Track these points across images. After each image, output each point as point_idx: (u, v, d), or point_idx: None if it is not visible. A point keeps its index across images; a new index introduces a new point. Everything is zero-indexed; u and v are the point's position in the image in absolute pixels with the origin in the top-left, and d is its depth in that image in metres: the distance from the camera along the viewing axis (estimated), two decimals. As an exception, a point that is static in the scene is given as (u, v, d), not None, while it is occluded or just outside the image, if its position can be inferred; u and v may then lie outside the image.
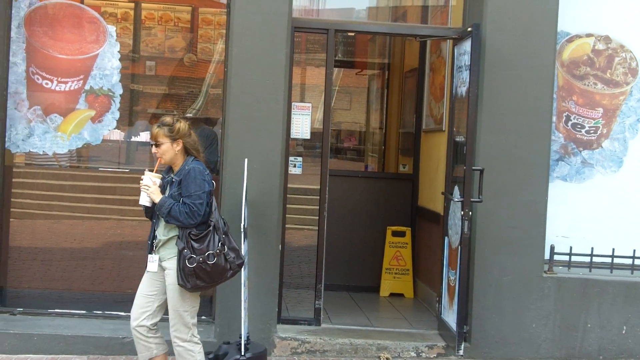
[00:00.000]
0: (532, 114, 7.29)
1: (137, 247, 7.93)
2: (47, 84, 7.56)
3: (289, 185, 7.56)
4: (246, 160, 6.78)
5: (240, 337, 6.37)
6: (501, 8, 7.28)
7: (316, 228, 7.73)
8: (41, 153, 7.56)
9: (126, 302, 7.60)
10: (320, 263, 7.57)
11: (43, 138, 7.52)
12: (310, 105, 7.87)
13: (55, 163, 7.76)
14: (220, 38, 8.05)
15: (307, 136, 7.81)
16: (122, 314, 7.45)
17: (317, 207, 7.65)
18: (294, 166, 7.81)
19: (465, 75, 7.18)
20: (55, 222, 7.96)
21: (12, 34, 7.43)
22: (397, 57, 10.85)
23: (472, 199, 7.01)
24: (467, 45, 7.20)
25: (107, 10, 8.04)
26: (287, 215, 7.55)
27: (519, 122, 7.28)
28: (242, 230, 6.46)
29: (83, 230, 7.89)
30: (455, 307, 7.16)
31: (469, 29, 7.11)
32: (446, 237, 7.64)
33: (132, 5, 8.29)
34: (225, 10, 7.43)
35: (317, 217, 7.65)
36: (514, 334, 7.32)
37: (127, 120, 8.18)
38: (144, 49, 8.31)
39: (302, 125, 7.71)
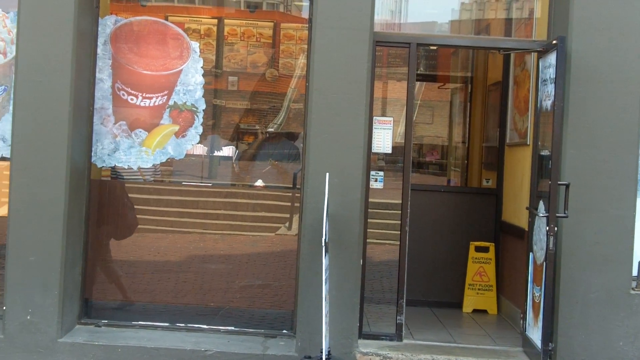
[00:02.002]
0: (619, 128, 7.13)
1: (219, 261, 8.00)
2: (132, 99, 7.69)
3: (370, 200, 7.52)
4: (327, 174, 6.78)
5: (322, 352, 6.35)
6: (587, 20, 7.14)
7: (398, 243, 7.67)
8: (126, 167, 7.69)
9: (208, 315, 7.72)
10: (402, 278, 7.52)
11: (128, 153, 7.64)
12: (391, 119, 7.83)
13: (140, 177, 7.88)
14: (302, 53, 8.09)
15: (389, 150, 7.76)
16: (204, 326, 7.52)
17: (399, 222, 7.60)
18: (375, 180, 7.76)
19: (551, 88, 7.07)
20: (139, 236, 8.07)
21: (98, 50, 7.59)
22: (481, 70, 10.74)
23: (557, 214, 6.88)
24: (552, 58, 7.08)
25: (191, 26, 8.15)
26: (368, 230, 7.51)
27: (606, 135, 7.12)
28: (323, 244, 6.45)
29: (166, 243, 7.98)
30: (540, 324, 7.02)
31: (554, 42, 6.99)
32: (531, 253, 7.50)
33: (215, 21, 8.39)
34: (307, 25, 7.45)
35: (399, 232, 7.60)
36: (601, 352, 7.13)
37: (210, 135, 8.27)
38: (226, 64, 8.40)
39: (383, 139, 7.67)
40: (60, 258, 7.09)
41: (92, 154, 7.58)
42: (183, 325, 7.58)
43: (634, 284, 7.23)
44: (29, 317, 7.08)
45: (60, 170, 7.06)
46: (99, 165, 7.68)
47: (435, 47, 11.07)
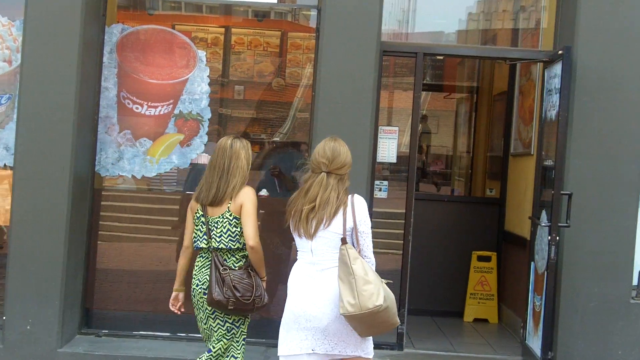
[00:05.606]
0: (623, 138, 7.16)
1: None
2: (137, 108, 7.71)
3: (374, 209, 7.54)
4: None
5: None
6: (594, 30, 7.17)
7: (401, 252, 7.69)
8: (130, 176, 7.70)
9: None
10: (404, 287, 7.53)
11: (132, 162, 7.66)
12: (397, 129, 7.86)
13: (143, 187, 7.88)
14: (309, 62, 8.10)
15: (394, 160, 7.80)
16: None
17: (402, 231, 7.62)
18: (380, 190, 7.80)
19: (555, 98, 7.09)
20: (141, 245, 8.07)
21: (104, 59, 7.61)
22: (486, 80, 10.78)
23: (559, 224, 6.91)
24: (557, 68, 7.11)
25: (198, 35, 8.17)
26: (373, 240, 7.50)
27: (609, 146, 7.15)
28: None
29: (168, 253, 7.92)
30: (540, 333, 7.04)
31: (560, 52, 7.02)
32: (532, 262, 7.52)
33: (222, 30, 8.41)
34: (315, 34, 7.48)
35: (402, 241, 7.61)
36: (601, 361, 7.16)
37: (215, 144, 8.28)
38: (233, 73, 8.41)
39: (388, 148, 7.70)
40: (62, 268, 7.07)
41: (96, 162, 7.59)
42: (184, 335, 7.55)
43: (634, 293, 7.25)
44: (28, 327, 7.07)
45: (63, 179, 7.05)
46: (103, 174, 7.68)
47: (442, 57, 11.10)
